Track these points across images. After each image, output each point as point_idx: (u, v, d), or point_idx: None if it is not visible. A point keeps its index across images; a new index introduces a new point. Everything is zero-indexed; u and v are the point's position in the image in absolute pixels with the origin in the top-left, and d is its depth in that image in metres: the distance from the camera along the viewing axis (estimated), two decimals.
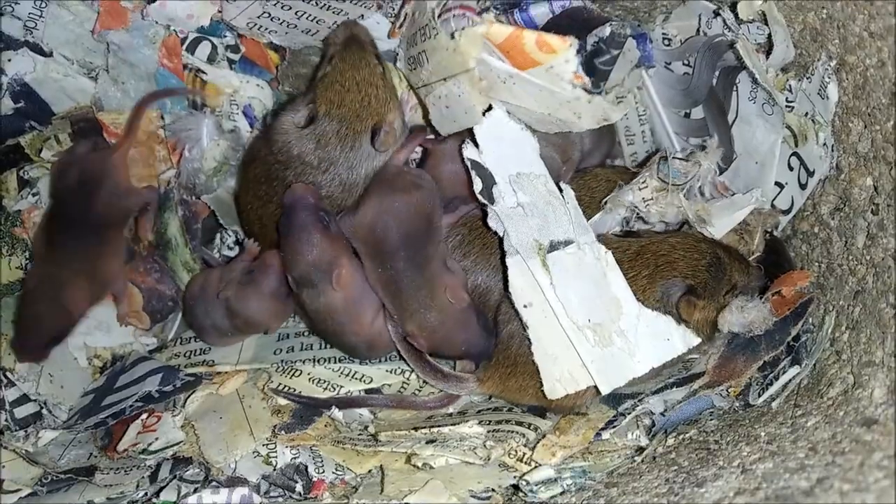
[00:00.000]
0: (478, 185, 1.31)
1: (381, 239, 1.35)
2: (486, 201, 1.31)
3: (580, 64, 1.44)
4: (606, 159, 1.63)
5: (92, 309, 1.55)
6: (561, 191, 1.32)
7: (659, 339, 1.27)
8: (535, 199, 1.30)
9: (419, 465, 1.29)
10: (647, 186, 1.42)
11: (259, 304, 1.48)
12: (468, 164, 1.32)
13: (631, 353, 1.26)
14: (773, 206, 1.46)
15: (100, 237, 1.51)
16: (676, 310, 1.31)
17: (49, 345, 1.48)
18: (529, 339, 1.29)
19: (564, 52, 1.24)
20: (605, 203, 1.44)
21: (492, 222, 1.32)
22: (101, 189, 1.50)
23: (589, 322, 1.26)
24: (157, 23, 1.52)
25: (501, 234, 1.30)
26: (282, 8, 1.44)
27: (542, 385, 1.31)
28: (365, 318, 1.42)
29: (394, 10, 1.48)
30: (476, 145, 1.32)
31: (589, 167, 1.55)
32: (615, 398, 1.36)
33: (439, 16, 1.31)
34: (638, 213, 1.44)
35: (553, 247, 1.28)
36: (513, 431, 1.34)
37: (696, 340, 1.29)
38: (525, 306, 1.28)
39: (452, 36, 1.26)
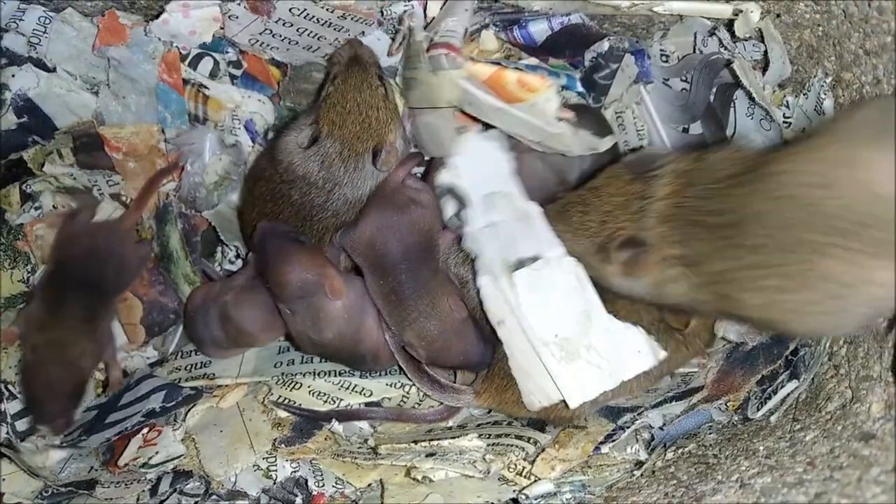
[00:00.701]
0: (449, 210, 1.33)
1: (382, 254, 1.36)
2: (458, 224, 1.33)
3: (580, 80, 1.47)
4: None
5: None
6: (530, 208, 1.33)
7: (629, 352, 1.27)
8: (504, 217, 1.32)
9: (419, 478, 1.30)
10: None
11: (252, 312, 1.48)
12: (441, 189, 1.34)
13: (599, 367, 1.26)
14: None
15: (103, 304, 1.54)
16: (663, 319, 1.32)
17: (69, 407, 1.48)
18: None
19: (545, 92, 1.28)
20: None
21: (465, 244, 1.33)
22: (112, 261, 1.54)
23: (556, 337, 1.26)
24: (159, 39, 1.53)
25: (473, 257, 1.32)
26: (283, 25, 1.45)
27: None
28: (370, 321, 1.42)
29: (395, 27, 1.49)
30: (450, 170, 1.34)
31: None
32: (614, 412, 1.37)
33: (428, 49, 1.34)
34: None
35: (521, 263, 1.28)
36: (512, 445, 1.34)
37: (663, 354, 1.28)
38: (498, 324, 1.29)
39: (436, 73, 1.29)
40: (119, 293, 1.58)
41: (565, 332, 1.26)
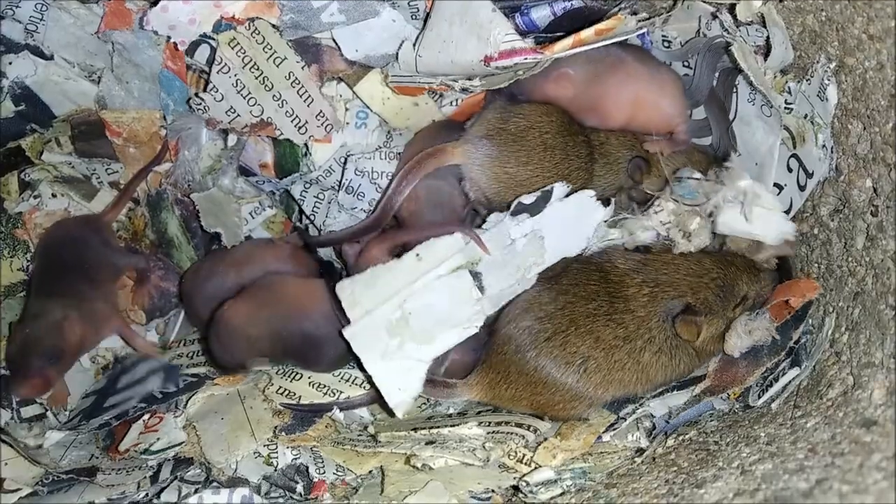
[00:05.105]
0: (529, 199, 1.34)
1: None
2: (514, 211, 1.34)
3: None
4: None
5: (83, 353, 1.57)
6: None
7: (395, 383, 1.32)
8: (515, 266, 1.34)
9: (418, 465, 1.30)
10: (662, 210, 1.41)
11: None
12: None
13: (364, 348, 1.31)
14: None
15: (91, 285, 1.54)
16: (674, 328, 1.31)
17: (44, 366, 1.43)
18: (524, 347, 1.31)
19: (622, 25, 1.34)
20: (616, 225, 1.43)
21: (491, 219, 1.34)
22: (92, 241, 1.56)
23: (408, 312, 1.31)
24: (156, 33, 1.48)
25: (486, 227, 1.34)
26: None
27: (537, 395, 1.33)
28: (317, 314, 1.44)
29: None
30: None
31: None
32: (616, 403, 1.37)
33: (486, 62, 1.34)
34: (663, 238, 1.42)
35: (475, 276, 1.32)
36: (512, 433, 1.34)
37: (402, 413, 1.33)
38: (417, 255, 1.32)
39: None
40: (108, 281, 1.59)
41: (413, 320, 1.31)
